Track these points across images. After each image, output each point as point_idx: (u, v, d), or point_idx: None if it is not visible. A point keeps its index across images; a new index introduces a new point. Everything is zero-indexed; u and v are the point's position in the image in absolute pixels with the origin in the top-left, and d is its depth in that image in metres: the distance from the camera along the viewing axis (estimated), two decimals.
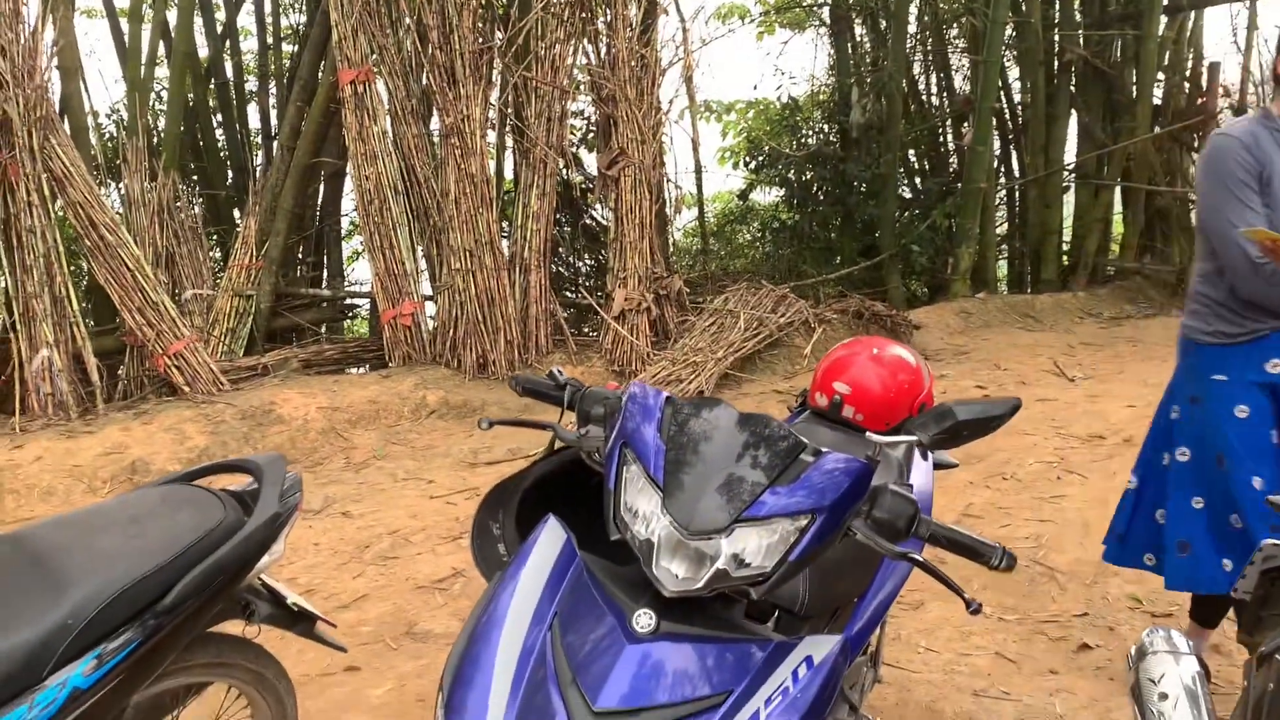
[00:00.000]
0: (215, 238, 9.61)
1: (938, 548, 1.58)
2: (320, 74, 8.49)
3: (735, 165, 13.84)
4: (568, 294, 9.17)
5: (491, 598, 1.49)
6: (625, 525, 1.47)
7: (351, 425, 6.35)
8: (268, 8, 10.83)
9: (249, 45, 11.43)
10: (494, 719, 1.33)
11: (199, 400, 6.31)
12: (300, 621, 2.41)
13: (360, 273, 10.63)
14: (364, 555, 4.47)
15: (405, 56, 7.61)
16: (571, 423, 1.86)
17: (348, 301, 9.59)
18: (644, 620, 1.39)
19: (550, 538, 1.55)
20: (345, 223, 10.44)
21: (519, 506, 1.89)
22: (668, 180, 8.54)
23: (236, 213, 10.48)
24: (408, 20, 7.53)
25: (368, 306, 9.60)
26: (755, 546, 1.41)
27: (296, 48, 10.73)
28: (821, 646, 1.42)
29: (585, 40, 8.03)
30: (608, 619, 1.41)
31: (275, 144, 8.74)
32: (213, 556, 1.97)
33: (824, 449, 1.52)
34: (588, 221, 10.17)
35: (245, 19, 10.94)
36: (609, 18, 7.91)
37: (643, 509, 1.46)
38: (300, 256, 9.62)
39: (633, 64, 7.77)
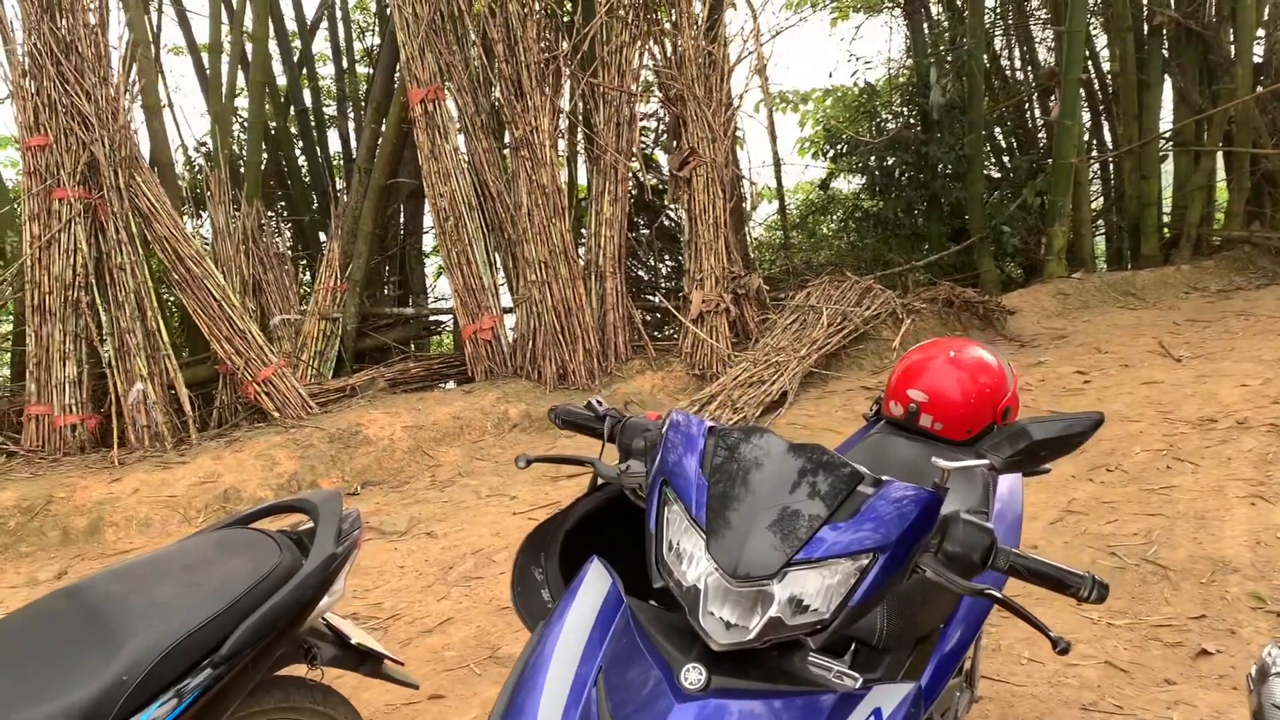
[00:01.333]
0: (304, 263, 9.80)
1: (1019, 579, 1.45)
2: (393, 94, 8.57)
3: (815, 155, 13.59)
4: (648, 298, 9.07)
5: (536, 647, 1.40)
6: (668, 570, 1.36)
7: (436, 443, 6.36)
8: (341, 32, 11.00)
9: (326, 70, 11.65)
10: None
11: (288, 425, 6.39)
12: (366, 662, 2.37)
13: (444, 289, 10.71)
14: (448, 576, 4.45)
15: (472, 72, 7.61)
16: (614, 455, 1.76)
17: (431, 319, 9.66)
18: (693, 676, 1.29)
19: (595, 581, 1.45)
20: (426, 240, 10.53)
21: (562, 547, 1.79)
22: (742, 176, 8.38)
23: (322, 236, 10.69)
24: (473, 35, 7.53)
25: (451, 322, 9.67)
26: (813, 589, 1.29)
27: (371, 70, 10.88)
28: (892, 696, 1.30)
29: (651, 41, 7.94)
30: (654, 674, 1.31)
31: (354, 166, 8.84)
32: (269, 602, 1.94)
33: (885, 478, 1.39)
34: (666, 223, 10.08)
35: (322, 44, 11.16)
36: (674, 17, 7.80)
37: (687, 552, 1.35)
38: (384, 276, 9.74)
39: (699, 61, 7.64)
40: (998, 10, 11.99)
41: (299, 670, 2.24)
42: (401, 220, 9.96)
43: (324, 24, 10.88)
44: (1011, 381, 2.32)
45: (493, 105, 7.74)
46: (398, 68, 8.36)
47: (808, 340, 6.90)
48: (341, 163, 11.09)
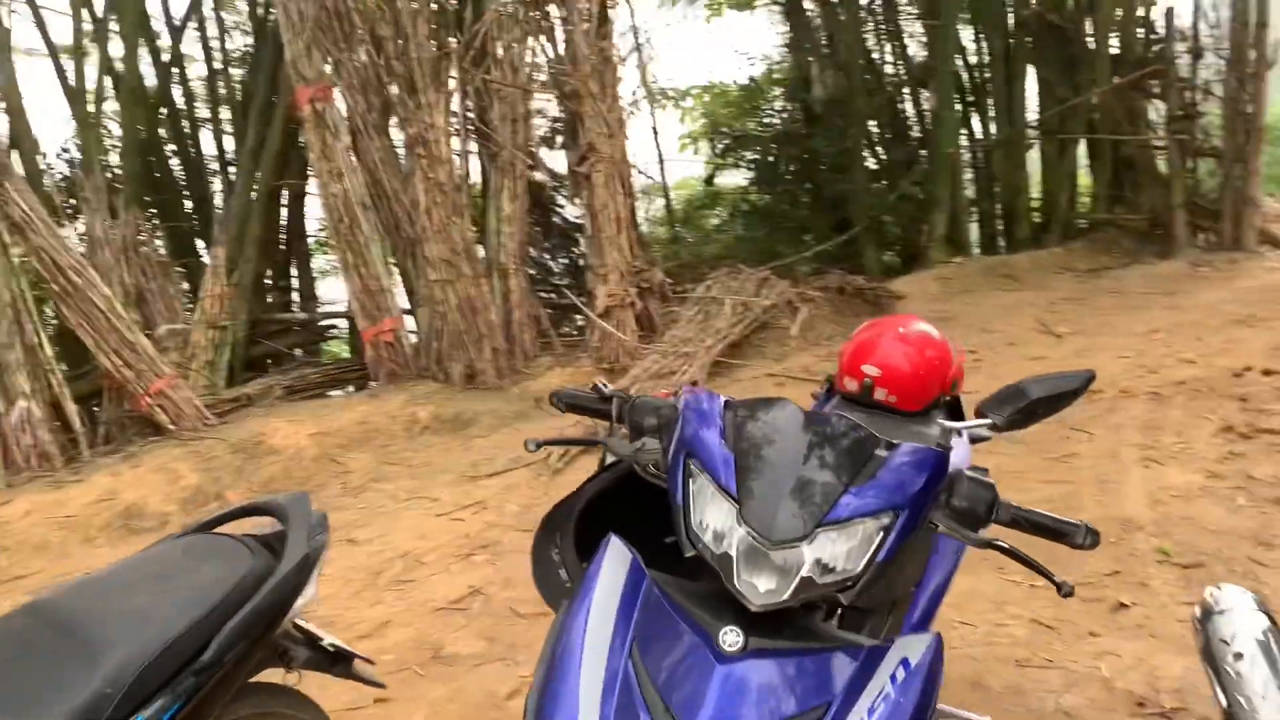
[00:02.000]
0: (182, 271, 9.43)
1: (1018, 530, 1.53)
2: (276, 94, 8.34)
3: (695, 151, 13.82)
4: (545, 295, 9.07)
5: (564, 628, 1.41)
6: (698, 540, 1.40)
7: (344, 449, 6.23)
8: (212, 32, 10.64)
9: (196, 71, 11.22)
10: None
11: (186, 438, 6.17)
12: (338, 662, 2.34)
13: (333, 292, 10.46)
14: (378, 582, 4.37)
15: (362, 69, 7.46)
16: (622, 435, 1.77)
17: (325, 323, 9.43)
18: (731, 638, 1.32)
19: (615, 558, 1.47)
20: (311, 243, 10.28)
21: (576, 528, 1.80)
22: (638, 171, 8.46)
23: (200, 243, 10.32)
24: (361, 33, 7.38)
25: (345, 326, 9.48)
26: (841, 549, 1.35)
27: (247, 70, 10.55)
28: (916, 647, 1.36)
29: (543, 38, 7.93)
30: (691, 639, 1.34)
31: (236, 170, 8.55)
32: (247, 606, 1.90)
33: (896, 441, 1.46)
34: (556, 221, 10.09)
35: (189, 45, 10.74)
36: (564, 13, 7.81)
37: (716, 522, 1.39)
38: (270, 282, 9.47)
39: (593, 59, 7.67)
40: (870, 6, 12.36)
41: (270, 675, 2.19)
42: (284, 224, 9.70)
43: (193, 23, 10.49)
44: (956, 355, 2.43)
45: (384, 103, 7.60)
46: (280, 67, 8.14)
47: (712, 331, 7.01)
48: (217, 166, 10.72)
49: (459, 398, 6.87)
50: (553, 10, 7.93)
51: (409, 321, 7.65)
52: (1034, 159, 11.59)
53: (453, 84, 7.40)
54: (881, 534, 1.35)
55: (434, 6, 7.37)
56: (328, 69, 7.32)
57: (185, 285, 9.39)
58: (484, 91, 7.59)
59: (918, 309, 8.61)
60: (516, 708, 3.28)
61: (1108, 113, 10.57)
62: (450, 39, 7.58)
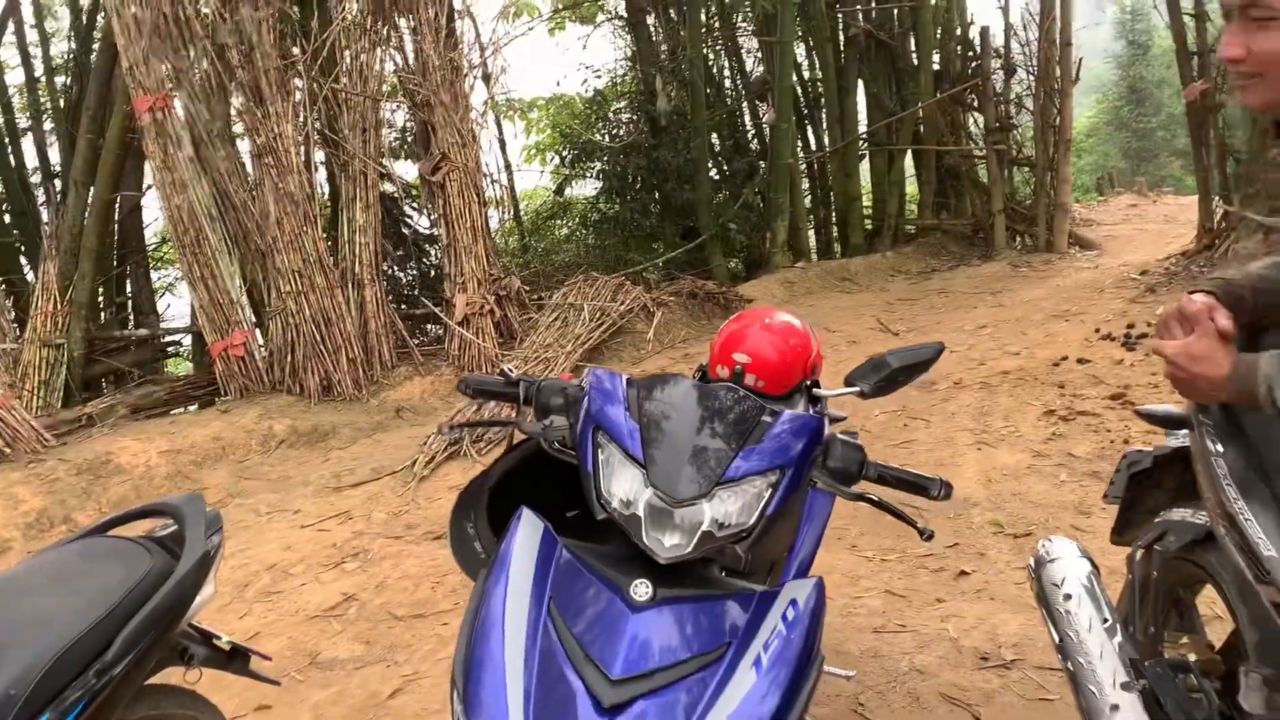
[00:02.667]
0: (2, 287, 8.93)
1: (884, 485, 1.74)
2: (109, 103, 8.02)
3: (541, 163, 13.96)
4: (400, 305, 9.01)
5: (485, 594, 1.52)
6: (608, 504, 1.54)
7: (198, 466, 6.07)
8: (32, 37, 10.11)
9: (14, 79, 10.62)
10: (514, 708, 1.37)
11: (25, 461, 5.88)
12: (235, 659, 2.36)
13: (174, 308, 10.09)
14: (245, 594, 4.31)
15: (204, 78, 7.28)
16: (529, 416, 1.89)
17: (166, 340, 9.09)
18: (641, 590, 1.46)
19: (528, 528, 1.59)
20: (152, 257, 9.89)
21: (489, 504, 1.92)
22: (491, 180, 8.53)
23: (24, 260, 9.79)
24: (204, 42, 7.20)
25: (189, 342, 9.17)
26: (735, 505, 1.51)
27: (70, 79, 10.06)
28: (802, 589, 1.53)
29: (391, 47, 7.92)
30: (605, 594, 1.47)
31: (69, 181, 8.17)
32: (149, 604, 1.92)
33: (778, 409, 1.64)
34: (406, 231, 10.04)
35: (6, 52, 10.17)
36: (413, 23, 7.82)
37: (624, 486, 1.53)
38: (110, 297, 9.07)
39: (444, 69, 7.71)
40: (708, 23, 12.77)
41: (169, 675, 2.20)
42: (117, 238, 9.29)
43: (10, 29, 9.95)
44: (815, 342, 2.65)
45: (228, 113, 7.44)
46: (114, 74, 7.85)
47: (572, 336, 7.15)
48: (39, 179, 10.19)
49: (316, 410, 6.78)
50: (401, 21, 7.93)
51: (259, 334, 7.49)
52: (865, 169, 12.23)
53: (300, 94, 7.30)
54: (770, 490, 1.53)
55: (275, 15, 7.23)
56: (166, 77, 7.10)
57: (9, 303, 8.91)
58: (332, 101, 7.52)
59: None
60: (401, 706, 3.33)
61: (932, 125, 11.28)
62: (295, 48, 7.47)
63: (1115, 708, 1.93)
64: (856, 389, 1.85)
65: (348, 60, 7.60)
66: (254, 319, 7.30)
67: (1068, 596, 2.16)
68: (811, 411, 1.92)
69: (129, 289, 9.38)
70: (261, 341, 7.52)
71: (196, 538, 2.12)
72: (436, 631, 3.83)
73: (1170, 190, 19.32)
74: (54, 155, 10.02)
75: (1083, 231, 11.44)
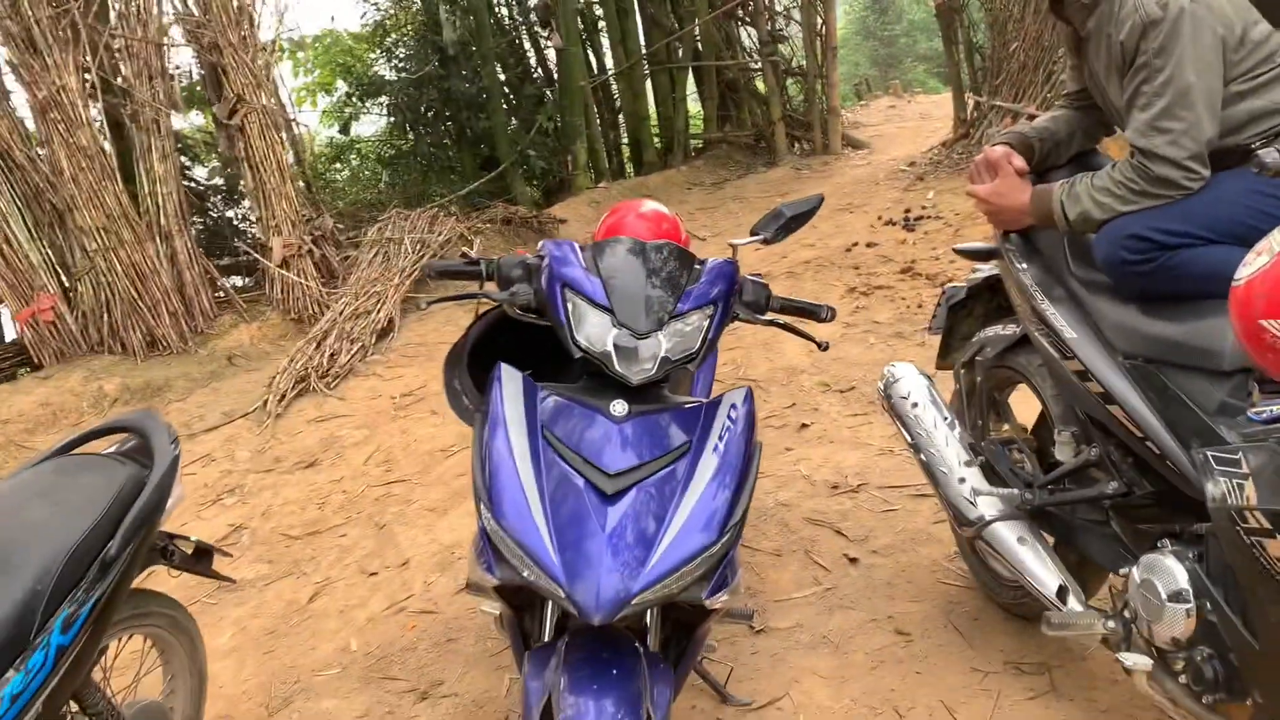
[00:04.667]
0: None
1: (786, 314, 2.17)
2: None
3: (313, 104, 13.63)
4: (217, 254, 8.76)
5: (490, 435, 1.83)
6: (582, 345, 1.88)
7: (29, 434, 5.89)
8: None
9: None
10: (535, 508, 1.70)
11: None
12: (200, 559, 2.56)
13: None
14: None
15: None
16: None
17: None
18: (619, 408, 1.82)
19: (509, 379, 1.91)
20: None
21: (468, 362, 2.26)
22: (292, 121, 8.40)
23: None
24: None
25: None
26: (684, 334, 1.90)
27: None
28: (738, 396, 1.93)
29: None
30: (590, 415, 1.83)
31: None
32: (135, 506, 2.10)
33: (705, 258, 2.02)
34: (187, 184, 9.70)
35: None
36: None
37: (594, 329, 1.88)
38: None
39: (230, 9, 7.50)
40: None
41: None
42: None
43: None
44: (682, 225, 3.05)
45: None
46: None
47: (396, 270, 7.24)
48: None
49: (144, 366, 6.65)
50: None
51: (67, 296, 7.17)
52: (649, 90, 12.65)
53: (81, 43, 6.93)
54: (708, 321, 1.93)
55: None
56: None
57: None
58: (117, 50, 7.20)
59: (577, 232, 9.32)
60: (322, 608, 3.57)
61: (709, 42, 11.80)
62: None
63: (962, 480, 2.45)
64: (760, 237, 2.25)
65: (121, 6, 7.27)
66: (63, 281, 6.99)
67: (915, 405, 2.66)
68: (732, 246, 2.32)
69: None
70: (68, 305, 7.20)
71: (163, 445, 2.30)
72: (336, 543, 4.05)
73: (920, 91, 20.82)
74: None
75: (852, 133, 12.33)
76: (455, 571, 3.58)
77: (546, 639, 1.86)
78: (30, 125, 7.13)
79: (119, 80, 7.26)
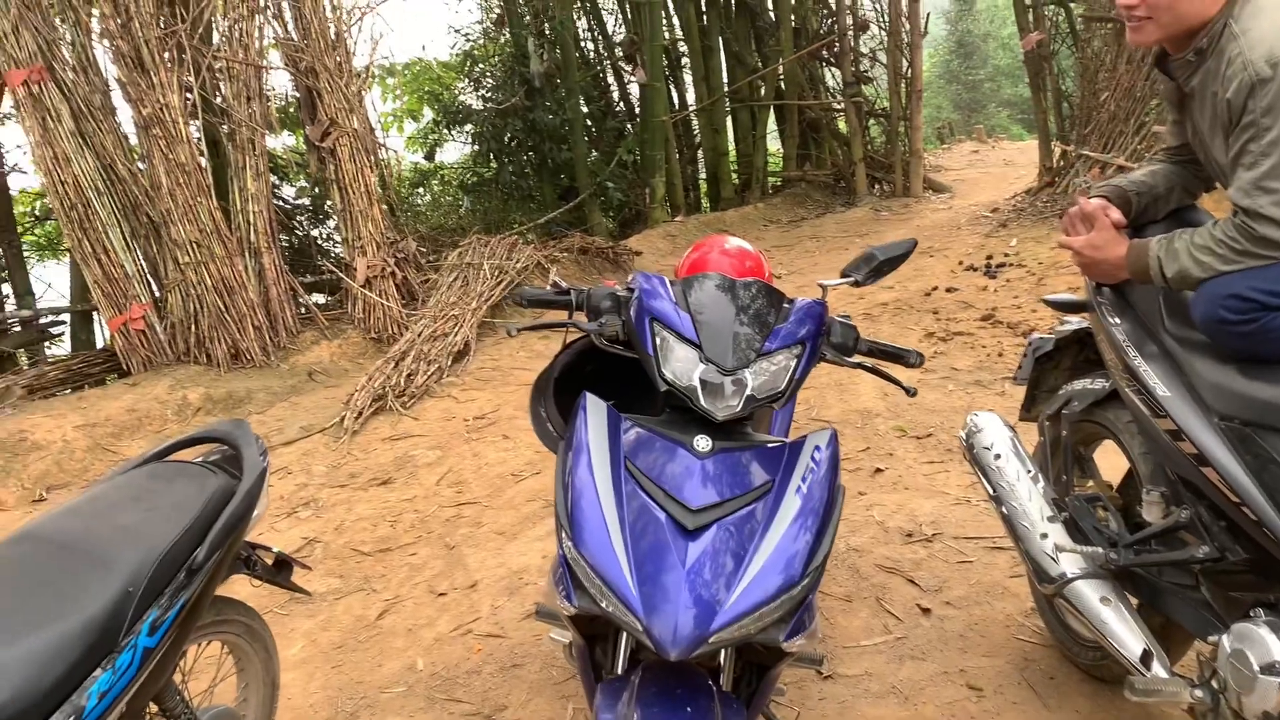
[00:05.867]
0: None
1: (873, 357, 2.15)
2: None
3: (399, 129, 14.00)
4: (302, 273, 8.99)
5: (573, 462, 1.84)
6: (669, 379, 1.88)
7: (115, 438, 6.07)
8: None
9: None
10: (615, 538, 1.71)
11: None
12: (281, 570, 2.61)
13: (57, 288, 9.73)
14: None
15: (80, 48, 7.13)
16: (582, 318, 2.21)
17: (47, 320, 8.84)
18: (703, 443, 1.82)
19: (594, 409, 1.92)
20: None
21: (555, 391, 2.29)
22: (382, 146, 8.61)
23: None
24: (79, 15, 7.05)
25: (70, 323, 8.96)
26: (771, 373, 1.89)
27: None
28: (822, 437, 1.92)
29: (270, 15, 7.88)
30: (674, 450, 1.83)
31: None
32: (224, 514, 2.16)
33: (793, 298, 2.02)
34: (276, 204, 9.98)
35: None
36: None
37: (681, 363, 1.88)
38: None
39: (326, 34, 7.74)
40: None
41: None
42: None
43: None
44: (766, 262, 3.05)
45: (106, 84, 7.29)
46: None
47: (474, 294, 7.37)
48: None
49: (227, 378, 6.82)
50: None
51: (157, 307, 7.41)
52: (730, 126, 12.73)
53: (185, 64, 7.21)
54: (795, 361, 1.91)
55: None
56: (40, 49, 6.92)
57: None
58: (219, 70, 7.47)
59: (651, 264, 9.38)
60: (390, 625, 3.60)
61: (792, 81, 11.84)
62: (173, 17, 7.36)
63: (1045, 535, 2.40)
64: (851, 279, 2.24)
65: (225, 28, 7.54)
66: (154, 292, 7.22)
67: (998, 456, 2.62)
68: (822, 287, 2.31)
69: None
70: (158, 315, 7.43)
71: (252, 457, 2.36)
72: (407, 561, 4.10)
73: (1004, 137, 20.62)
74: None
75: (934, 176, 12.25)
76: (522, 596, 3.60)
77: (619, 671, 1.86)
78: (132, 140, 7.41)
79: (219, 100, 7.52)
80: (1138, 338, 2.24)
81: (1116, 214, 2.28)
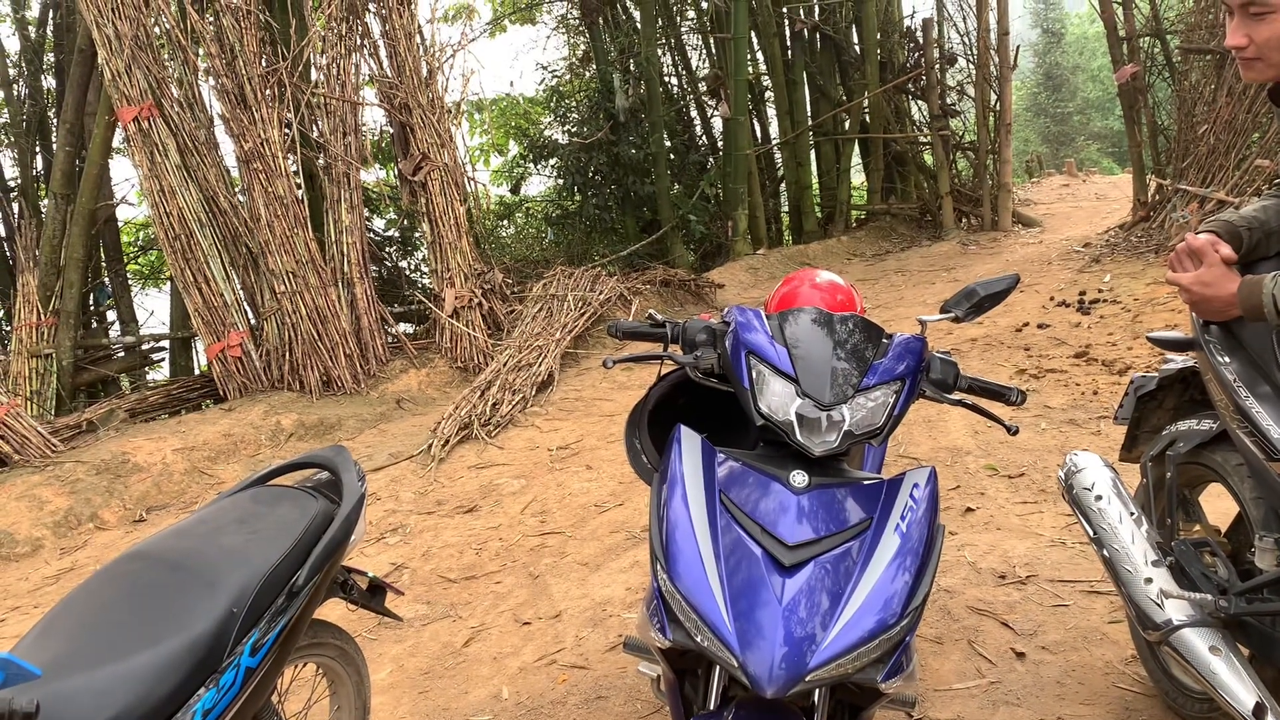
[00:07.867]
0: None
1: (974, 394, 2.11)
2: (82, 113, 8.14)
3: (486, 163, 14.30)
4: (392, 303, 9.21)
5: (668, 494, 1.84)
6: (765, 413, 1.88)
7: (212, 461, 6.26)
8: None
9: None
10: (710, 572, 1.70)
11: (40, 465, 6.02)
12: (375, 595, 2.66)
13: (162, 314, 10.11)
14: None
15: (187, 86, 7.44)
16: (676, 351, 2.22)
17: (149, 346, 9.18)
18: (799, 479, 1.81)
19: (688, 441, 1.92)
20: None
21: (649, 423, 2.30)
22: (470, 180, 8.78)
23: None
24: (187, 54, 7.37)
25: (168, 349, 9.29)
26: (870, 408, 1.87)
27: (25, 92, 10.07)
28: (921, 475, 1.89)
29: (367, 53, 8.13)
30: (770, 484, 1.81)
31: (50, 193, 8.23)
32: (324, 539, 2.20)
33: (893, 333, 2.00)
34: (370, 235, 10.24)
35: None
36: (386, 28, 8.05)
37: (778, 397, 1.87)
38: (88, 306, 9.15)
39: (421, 72, 7.96)
40: (659, 22, 13.16)
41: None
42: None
43: None
44: (858, 296, 3.03)
45: (210, 120, 7.59)
46: (91, 86, 8.00)
47: (558, 325, 7.45)
48: None
49: (319, 405, 6.99)
50: (374, 26, 8.15)
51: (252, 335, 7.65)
52: (814, 159, 12.71)
53: (285, 100, 7.48)
54: (894, 396, 1.89)
55: (257, 23, 7.41)
56: (150, 87, 7.24)
57: None
58: (316, 105, 7.72)
59: (734, 296, 9.37)
60: (476, 653, 3.63)
61: (878, 114, 11.78)
62: (275, 56, 7.65)
63: (1149, 580, 2.32)
64: (952, 314, 2.21)
65: (324, 65, 7.80)
66: (251, 320, 7.46)
67: (1099, 497, 2.55)
68: (921, 322, 2.28)
69: (103, 298, 9.45)
70: (254, 342, 7.67)
71: (351, 482, 2.41)
72: (492, 590, 4.13)
73: (1095, 170, 20.19)
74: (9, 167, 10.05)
75: (1023, 210, 12.04)
76: (606, 628, 3.60)
77: (711, 708, 1.84)
78: (234, 174, 7.69)
79: (316, 135, 7.77)
80: (1249, 377, 2.16)
81: (1226, 249, 2.22)
